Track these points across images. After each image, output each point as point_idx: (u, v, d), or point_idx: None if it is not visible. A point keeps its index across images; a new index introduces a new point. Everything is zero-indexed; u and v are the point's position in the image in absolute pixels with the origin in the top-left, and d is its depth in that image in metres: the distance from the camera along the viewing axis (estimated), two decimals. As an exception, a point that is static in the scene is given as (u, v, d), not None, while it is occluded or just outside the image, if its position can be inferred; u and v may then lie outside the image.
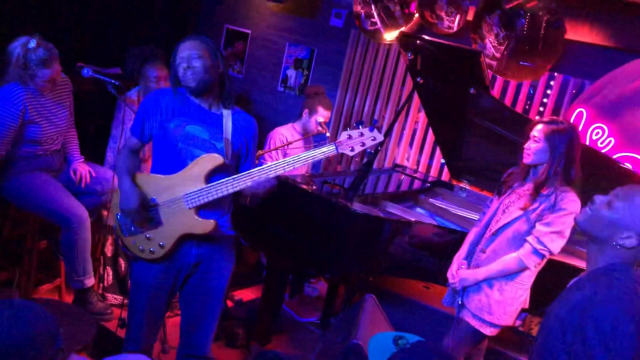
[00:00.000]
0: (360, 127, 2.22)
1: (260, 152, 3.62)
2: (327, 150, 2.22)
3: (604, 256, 1.63)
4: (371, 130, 2.20)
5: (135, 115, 2.45)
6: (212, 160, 2.29)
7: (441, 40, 3.24)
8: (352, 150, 2.21)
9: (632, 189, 1.63)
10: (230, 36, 5.30)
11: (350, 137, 2.21)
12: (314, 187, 3.17)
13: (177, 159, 2.32)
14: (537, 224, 2.48)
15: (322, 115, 3.80)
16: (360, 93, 4.77)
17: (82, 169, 3.24)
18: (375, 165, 4.64)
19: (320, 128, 3.80)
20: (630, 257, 1.61)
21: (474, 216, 3.40)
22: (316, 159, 2.23)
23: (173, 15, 5.16)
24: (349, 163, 4.84)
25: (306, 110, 3.87)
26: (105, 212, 3.38)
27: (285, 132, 3.89)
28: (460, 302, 2.68)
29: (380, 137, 2.19)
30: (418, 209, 3.50)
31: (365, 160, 2.95)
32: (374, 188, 3.84)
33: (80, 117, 3.53)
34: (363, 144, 2.21)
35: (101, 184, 3.27)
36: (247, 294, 4.03)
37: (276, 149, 3.73)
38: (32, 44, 2.79)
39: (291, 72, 5.01)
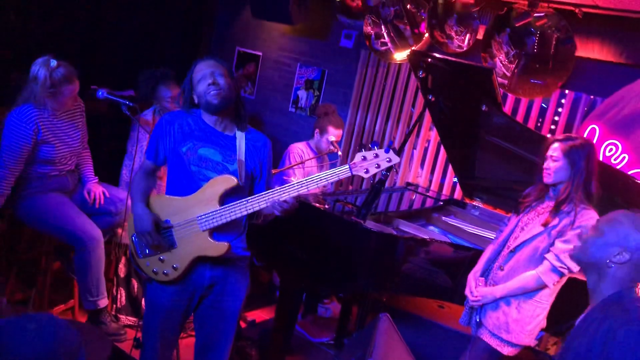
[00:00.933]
0: (375, 148, 2.19)
1: (276, 170, 3.63)
2: (340, 171, 2.19)
3: (606, 282, 1.70)
4: (387, 151, 2.16)
5: (149, 139, 2.46)
6: (225, 182, 2.28)
7: (452, 58, 3.24)
8: (367, 172, 2.17)
9: (614, 213, 1.75)
10: (241, 58, 5.35)
11: (365, 158, 2.18)
12: (327, 206, 3.15)
13: (190, 182, 2.32)
14: (556, 241, 2.44)
15: (332, 134, 3.81)
16: (371, 113, 4.77)
17: (96, 190, 3.24)
18: (387, 184, 4.66)
19: (332, 147, 3.80)
20: (628, 277, 1.69)
21: (488, 234, 3.37)
22: (330, 180, 2.20)
23: (185, 38, 5.22)
24: (361, 181, 4.83)
25: (317, 131, 3.89)
26: (120, 230, 3.38)
27: (302, 148, 3.92)
28: (477, 320, 2.64)
29: (396, 159, 2.16)
30: (431, 227, 3.48)
31: (377, 178, 2.92)
32: (386, 207, 3.83)
33: (95, 139, 3.55)
34: (378, 166, 2.17)
35: (115, 205, 3.26)
36: (259, 315, 3.99)
37: (292, 166, 3.74)
38: (53, 63, 2.83)
39: (302, 93, 5.04)
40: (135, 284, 3.53)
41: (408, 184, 4.33)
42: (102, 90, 3.08)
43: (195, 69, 2.27)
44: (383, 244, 2.86)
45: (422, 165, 4.64)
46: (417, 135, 4.60)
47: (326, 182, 2.19)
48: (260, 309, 4.05)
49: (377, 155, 2.18)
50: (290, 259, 3.09)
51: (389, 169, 2.21)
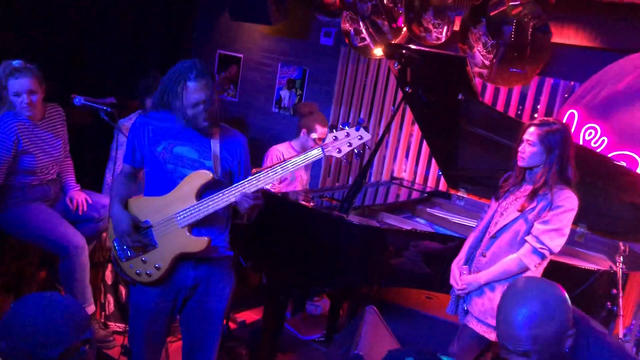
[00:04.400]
0: (346, 127, 2.20)
1: (255, 169, 3.60)
2: (313, 154, 2.20)
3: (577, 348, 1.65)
4: (357, 129, 2.19)
5: (126, 143, 2.45)
6: (201, 177, 2.28)
7: (425, 48, 3.24)
8: (340, 151, 2.19)
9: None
10: (223, 61, 5.33)
11: (336, 138, 2.20)
12: (312, 203, 3.15)
13: (167, 180, 2.31)
14: (535, 223, 2.44)
15: (320, 132, 3.80)
16: (354, 109, 4.77)
17: (79, 197, 3.22)
18: (372, 179, 4.66)
19: (315, 144, 3.79)
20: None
21: (473, 223, 3.36)
22: (304, 163, 2.22)
23: (166, 44, 5.19)
24: (347, 176, 4.81)
25: (304, 130, 3.87)
26: (105, 235, 3.36)
27: (282, 149, 3.89)
28: (464, 308, 2.63)
29: (367, 136, 2.18)
30: (416, 219, 3.48)
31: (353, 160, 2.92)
32: (373, 201, 3.82)
33: (78, 148, 3.53)
34: (350, 144, 2.19)
35: (98, 211, 3.24)
36: (250, 316, 3.97)
37: (270, 167, 3.71)
38: (14, 64, 2.81)
39: (285, 93, 5.03)
40: (123, 290, 3.50)
41: (393, 178, 4.33)
42: (79, 97, 3.06)
43: (189, 90, 2.20)
44: (367, 238, 2.86)
45: (407, 158, 4.64)
46: (400, 130, 4.60)
47: (300, 165, 2.20)
48: (250, 310, 4.04)
49: (348, 134, 2.19)
50: (276, 258, 3.08)
51: (362, 148, 2.22)
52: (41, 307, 1.47)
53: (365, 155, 4.46)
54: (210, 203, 2.25)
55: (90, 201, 3.26)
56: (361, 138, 2.19)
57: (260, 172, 2.25)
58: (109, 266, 3.47)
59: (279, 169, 2.23)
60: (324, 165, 4.88)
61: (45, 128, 3.06)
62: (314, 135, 3.80)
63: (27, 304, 1.48)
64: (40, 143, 3.01)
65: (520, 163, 2.52)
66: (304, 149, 3.87)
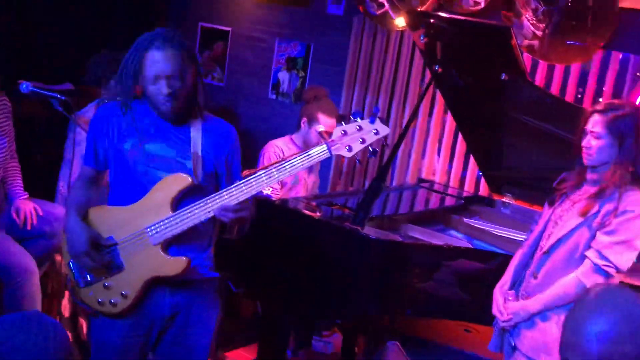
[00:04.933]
0: (358, 119, 2.20)
1: (247, 171, 3.61)
2: (317, 152, 2.21)
3: None
4: (372, 121, 2.18)
5: (85, 140, 2.48)
6: (177, 181, 2.29)
7: (459, 17, 3.26)
8: (350, 149, 2.19)
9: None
10: (206, 36, 5.36)
11: (345, 133, 2.20)
12: (319, 214, 3.16)
13: (137, 186, 2.33)
14: (597, 234, 2.42)
15: (324, 123, 3.79)
16: (371, 94, 4.78)
17: (26, 207, 3.25)
18: (394, 182, 4.66)
19: (322, 139, 3.79)
20: None
21: (521, 237, 3.34)
22: (305, 164, 2.23)
23: (137, 16, 5.22)
24: (363, 178, 4.83)
25: (304, 120, 3.87)
26: (59, 257, 3.38)
27: (281, 145, 3.90)
28: (511, 344, 2.63)
29: (384, 130, 2.18)
30: (450, 232, 3.49)
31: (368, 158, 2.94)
32: (395, 209, 3.83)
33: (25, 147, 3.57)
34: (363, 141, 2.19)
35: (51, 224, 3.27)
36: (242, 355, 3.99)
37: (267, 167, 3.72)
38: None
39: (284, 75, 5.04)
40: (83, 323, 3.53)
41: (420, 180, 4.33)
42: (27, 83, 3.09)
43: (148, 60, 2.21)
44: (387, 255, 2.88)
45: (439, 155, 4.63)
46: (429, 119, 4.60)
47: (300, 168, 2.22)
48: (242, 348, 4.05)
49: (360, 128, 2.19)
50: (274, 281, 3.10)
51: (379, 144, 2.24)
52: (38, 332, 1.56)
53: (384, 153, 4.49)
54: (190, 214, 2.26)
55: (40, 213, 3.29)
56: (377, 132, 2.19)
57: (253, 175, 2.25)
58: (66, 294, 3.50)
59: (275, 172, 2.24)
60: (334, 164, 4.89)
61: (-15, 123, 3.10)
62: (320, 128, 3.80)
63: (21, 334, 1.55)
64: (-22, 141, 3.06)
65: (587, 161, 2.50)
66: (306, 144, 3.89)
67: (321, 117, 3.82)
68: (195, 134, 2.36)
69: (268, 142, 3.96)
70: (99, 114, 2.41)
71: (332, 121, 3.84)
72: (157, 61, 2.21)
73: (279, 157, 3.81)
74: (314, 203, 3.29)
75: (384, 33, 4.66)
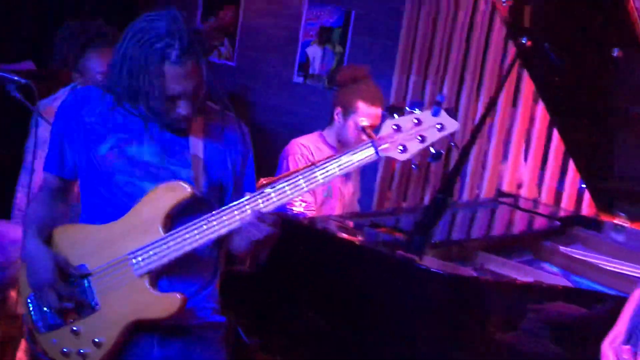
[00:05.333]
0: (416, 110, 2.19)
1: (264, 180, 3.61)
2: (359, 154, 2.20)
3: None
4: (435, 113, 2.16)
5: (50, 137, 2.49)
6: (173, 192, 2.29)
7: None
8: (404, 150, 2.18)
9: None
10: (211, 0, 5.40)
11: (398, 128, 2.18)
12: (360, 237, 3.17)
13: (116, 200, 2.34)
14: None
15: (364, 114, 3.79)
16: (432, 77, 4.78)
17: (-28, 227, 3.28)
18: (464, 196, 4.62)
19: (364, 136, 3.77)
20: None
21: (639, 272, 3.34)
22: (342, 171, 2.21)
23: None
24: (422, 189, 4.79)
25: (338, 110, 3.87)
26: (13, 294, 3.41)
27: (310, 143, 3.91)
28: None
29: (452, 125, 2.16)
30: (542, 265, 3.46)
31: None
32: (466, 234, 3.82)
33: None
34: (422, 139, 2.17)
35: (3, 250, 3.29)
36: None
37: (291, 173, 3.70)
38: None
39: (315, 51, 5.07)
40: (45, 382, 3.56)
41: (501, 193, 4.30)
42: (-26, 61, 3.13)
43: (167, 74, 2.18)
44: (454, 295, 2.87)
45: (526, 160, 4.60)
46: (513, 108, 4.58)
47: (336, 175, 2.21)
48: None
49: (419, 122, 2.17)
50: (299, 330, 3.11)
51: (445, 144, 2.22)
52: None
53: (450, 157, 4.45)
54: (188, 236, 2.26)
55: (-9, 234, 3.31)
56: (441, 128, 2.17)
57: (273, 185, 2.24)
58: (22, 343, 3.53)
59: (302, 181, 2.22)
60: (382, 170, 4.87)
61: None
62: (362, 121, 3.79)
63: None
64: None
65: None
66: (342, 142, 3.89)
67: (361, 105, 3.81)
68: (197, 134, 2.37)
69: (291, 142, 3.97)
70: (67, 102, 2.42)
71: (375, 111, 3.83)
72: (176, 79, 2.21)
73: (308, 160, 3.80)
74: (353, 223, 3.29)
75: (451, -3, 4.69)
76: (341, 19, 4.96)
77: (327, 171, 2.21)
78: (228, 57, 5.38)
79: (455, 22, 4.68)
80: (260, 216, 2.20)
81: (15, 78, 3.11)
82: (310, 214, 3.68)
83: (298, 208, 3.56)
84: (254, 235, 2.23)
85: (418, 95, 4.81)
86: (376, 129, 3.83)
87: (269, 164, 3.88)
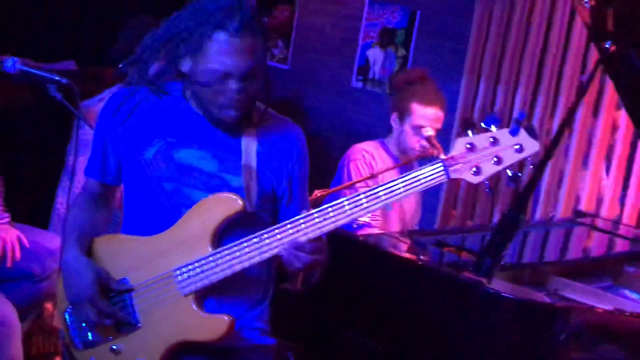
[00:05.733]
0: (492, 127, 2.17)
1: (319, 192, 3.62)
2: (428, 174, 2.19)
3: None
4: (514, 132, 2.14)
5: (92, 140, 2.52)
6: (223, 205, 2.30)
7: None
8: (478, 172, 2.16)
9: None
10: (265, -2, 5.44)
11: (472, 147, 2.17)
12: (423, 257, 3.16)
13: (163, 209, 2.36)
14: None
15: (421, 116, 3.77)
16: (504, 84, 4.75)
17: (7, 237, 3.32)
18: (537, 215, 4.58)
19: (424, 143, 3.76)
20: None
21: None
22: (408, 191, 2.21)
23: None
24: (490, 207, 4.78)
25: (395, 115, 3.88)
26: (49, 307, 3.44)
27: (373, 150, 3.91)
28: None
29: (533, 147, 2.13)
30: (624, 292, 3.43)
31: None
32: (539, 256, 3.79)
33: (8, 148, 3.67)
34: (499, 161, 2.15)
35: (40, 261, 3.34)
36: None
37: (353, 184, 3.71)
38: None
39: (376, 54, 5.07)
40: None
41: (578, 213, 4.27)
42: (14, 59, 3.18)
43: (216, 46, 2.21)
44: (526, 322, 2.84)
45: (607, 174, 4.57)
46: (594, 119, 4.53)
47: (402, 195, 2.20)
48: None
49: (495, 141, 2.16)
50: (357, 356, 3.09)
51: (521, 166, 2.19)
52: None
53: (523, 172, 4.41)
54: (238, 254, 2.26)
55: (27, 244, 3.36)
56: (520, 149, 2.14)
57: (339, 202, 2.22)
58: (58, 359, 3.56)
59: (364, 200, 2.21)
60: (446, 186, 4.85)
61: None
62: (421, 124, 3.77)
63: None
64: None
65: None
66: (404, 152, 3.87)
67: (415, 107, 3.80)
68: (249, 140, 2.38)
69: (352, 147, 3.96)
70: (111, 103, 2.44)
71: (432, 112, 3.81)
72: (231, 52, 2.22)
73: (370, 167, 3.80)
74: (415, 241, 3.28)
75: (526, -2, 4.66)
76: (405, 20, 4.95)
77: (390, 191, 2.20)
78: (282, 59, 5.40)
79: (530, 25, 4.64)
80: (296, 245, 2.20)
81: (56, 78, 3.15)
82: (376, 224, 3.68)
83: (364, 217, 3.57)
84: (293, 265, 2.23)
85: (488, 104, 4.77)
86: (440, 136, 3.86)
87: (322, 173, 3.89)
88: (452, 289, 2.92)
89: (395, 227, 3.86)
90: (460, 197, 4.91)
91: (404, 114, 3.82)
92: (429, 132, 3.80)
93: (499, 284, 2.93)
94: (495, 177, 2.18)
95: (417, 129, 3.78)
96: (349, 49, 5.16)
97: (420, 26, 4.92)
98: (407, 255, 3.12)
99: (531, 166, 2.51)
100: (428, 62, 4.83)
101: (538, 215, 4.59)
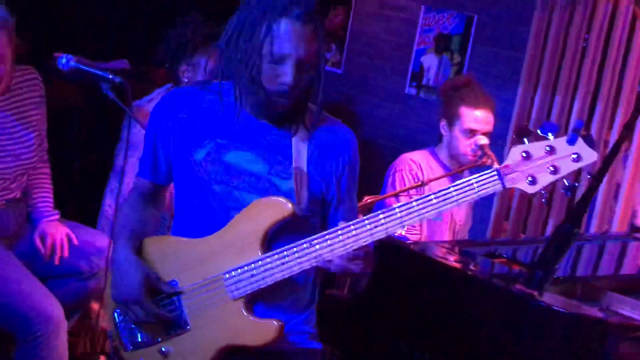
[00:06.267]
0: (549, 135, 2.16)
1: (369, 198, 3.60)
2: (482, 182, 2.17)
3: None
4: (571, 141, 2.11)
5: (144, 140, 2.53)
6: (273, 209, 2.29)
7: None
8: (534, 181, 2.14)
9: None
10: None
11: (528, 156, 2.15)
12: (473, 267, 3.15)
13: (211, 211, 2.36)
14: None
15: (469, 119, 3.75)
16: (563, 93, 4.71)
17: (56, 234, 3.35)
18: (592, 229, 4.53)
19: (477, 151, 3.72)
20: None
21: None
22: (461, 199, 2.18)
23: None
24: (544, 219, 4.70)
25: (443, 122, 3.87)
26: (96, 307, 3.46)
27: (421, 160, 3.89)
28: None
29: (590, 156, 2.11)
30: None
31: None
32: (594, 270, 3.75)
33: (60, 148, 3.70)
34: (555, 170, 2.13)
35: (88, 259, 3.36)
36: None
37: (400, 192, 3.69)
38: None
39: (430, 60, 5.06)
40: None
41: (635, 228, 4.26)
42: (68, 57, 3.20)
43: (280, 30, 2.23)
44: (578, 337, 2.80)
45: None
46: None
47: (454, 203, 2.18)
48: None
49: (551, 150, 2.13)
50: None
51: (577, 176, 2.17)
52: None
53: (578, 175, 4.36)
54: (288, 259, 2.26)
55: (75, 242, 3.38)
56: (578, 159, 2.12)
57: (391, 210, 2.21)
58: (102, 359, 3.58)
59: (415, 206, 2.19)
60: (499, 194, 4.81)
61: (8, 108, 3.24)
62: (481, 140, 3.73)
63: None
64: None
65: None
66: (456, 160, 3.84)
67: (463, 110, 3.78)
68: (300, 142, 2.37)
69: (400, 157, 3.95)
70: (162, 103, 2.46)
71: (480, 114, 3.78)
72: (289, 37, 2.24)
73: (416, 178, 3.77)
74: (465, 252, 3.26)
75: (587, 5, 4.60)
76: (461, 26, 4.92)
77: (443, 198, 2.18)
78: (335, 63, 5.40)
79: (591, 32, 4.59)
80: (349, 257, 2.21)
81: (110, 76, 3.16)
82: (413, 238, 3.67)
83: (400, 230, 3.55)
84: (345, 271, 2.24)
85: (544, 114, 4.73)
86: (493, 145, 3.82)
87: (373, 180, 3.88)
88: (502, 301, 2.91)
89: (445, 237, 3.85)
90: (513, 209, 4.86)
91: (452, 119, 3.80)
92: (482, 140, 3.77)
93: (551, 298, 2.89)
94: (551, 188, 2.15)
95: (467, 132, 3.77)
96: (403, 55, 5.14)
97: (476, 33, 4.89)
98: (457, 265, 3.09)
99: (589, 176, 2.48)
100: (484, 69, 4.82)
101: (593, 228, 4.53)
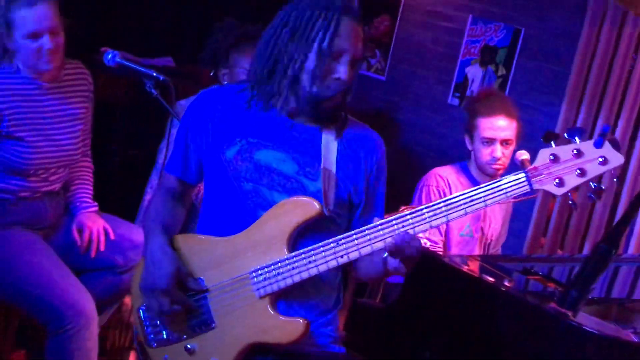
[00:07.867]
0: (576, 139, 2.17)
1: (405, 208, 3.58)
2: (510, 183, 2.18)
3: None
4: (598, 144, 2.14)
5: (176, 137, 2.57)
6: (301, 209, 2.31)
7: None
8: (561, 183, 2.17)
9: None
10: (365, 4, 5.39)
11: (555, 159, 2.17)
12: (508, 283, 3.12)
13: (241, 210, 2.39)
14: None
15: (487, 127, 3.73)
16: (607, 108, 4.69)
17: (94, 226, 3.37)
18: (632, 249, 4.48)
19: (496, 154, 3.70)
20: None
21: None
22: (489, 201, 2.20)
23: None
24: (582, 235, 4.66)
25: (467, 138, 3.87)
26: (128, 301, 3.48)
27: (450, 175, 3.87)
28: None
29: (617, 159, 2.15)
30: None
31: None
32: (630, 292, 3.70)
33: (102, 142, 3.73)
34: (582, 173, 2.16)
35: (124, 253, 3.38)
36: None
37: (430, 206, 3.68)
38: None
39: (475, 72, 5.05)
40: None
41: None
42: (114, 52, 3.23)
43: (339, 27, 2.29)
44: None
45: None
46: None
47: (481, 204, 2.21)
48: None
49: (578, 153, 2.16)
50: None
51: (605, 180, 2.17)
52: None
53: (619, 199, 4.31)
54: (314, 258, 2.28)
55: (112, 235, 3.41)
56: (604, 162, 2.15)
57: (418, 210, 2.26)
58: (131, 355, 3.59)
59: (443, 207, 2.22)
60: (537, 209, 4.77)
61: (56, 98, 3.26)
62: (522, 155, 3.70)
63: None
64: (42, 123, 3.22)
65: None
66: (485, 174, 3.83)
67: (480, 121, 3.77)
68: (329, 144, 2.39)
69: (430, 171, 3.94)
70: (196, 102, 2.48)
71: (496, 120, 3.75)
72: (351, 34, 2.31)
73: (443, 194, 3.74)
74: (500, 267, 3.23)
75: (638, 20, 4.57)
76: (508, 38, 4.89)
77: (470, 199, 2.21)
78: (378, 70, 5.39)
79: (639, 47, 4.56)
80: (409, 238, 2.23)
81: (154, 74, 3.20)
82: (434, 248, 3.66)
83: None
84: (402, 252, 2.25)
85: (587, 127, 4.69)
86: (533, 156, 3.78)
87: (411, 189, 3.89)
88: (535, 319, 2.87)
89: (477, 252, 3.84)
90: (551, 225, 4.82)
91: (472, 132, 3.80)
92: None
93: (585, 318, 2.85)
94: (589, 207, 2.15)
95: (485, 141, 3.75)
96: (448, 65, 5.13)
97: (522, 46, 4.86)
98: (490, 280, 3.06)
99: (616, 180, 2.49)
100: (528, 83, 4.80)
101: (631, 250, 4.48)
